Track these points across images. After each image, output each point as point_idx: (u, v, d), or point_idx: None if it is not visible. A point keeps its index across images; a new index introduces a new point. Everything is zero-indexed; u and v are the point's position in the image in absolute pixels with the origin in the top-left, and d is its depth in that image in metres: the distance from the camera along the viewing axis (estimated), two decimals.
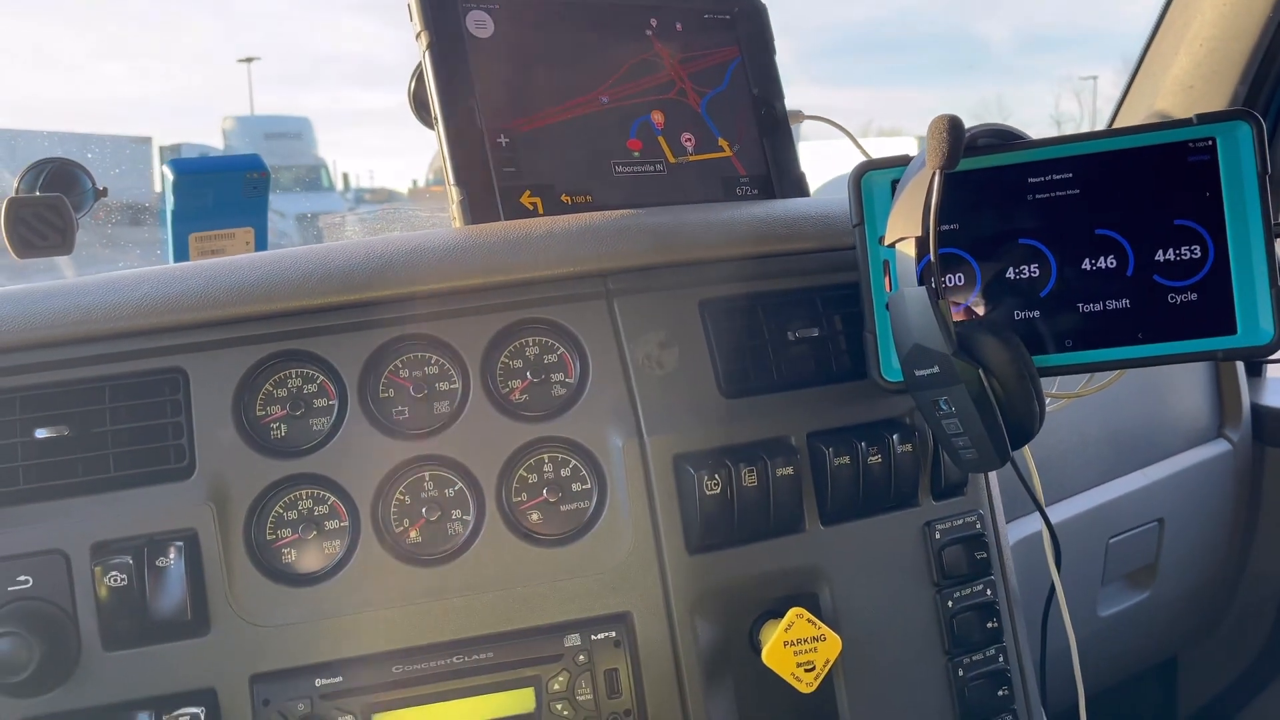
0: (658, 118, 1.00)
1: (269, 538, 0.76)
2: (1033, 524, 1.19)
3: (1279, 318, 0.78)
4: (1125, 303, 0.81)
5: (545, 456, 0.79)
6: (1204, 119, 0.80)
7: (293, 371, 0.78)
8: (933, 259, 0.77)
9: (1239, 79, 1.46)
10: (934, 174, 0.76)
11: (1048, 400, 1.02)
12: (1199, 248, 0.80)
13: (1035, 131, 0.87)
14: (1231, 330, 0.80)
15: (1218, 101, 1.49)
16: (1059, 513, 1.23)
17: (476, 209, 0.89)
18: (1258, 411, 1.47)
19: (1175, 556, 1.36)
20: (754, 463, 0.79)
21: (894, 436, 0.84)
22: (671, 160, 1.00)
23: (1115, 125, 1.62)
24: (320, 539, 0.76)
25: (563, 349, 0.81)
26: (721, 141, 1.03)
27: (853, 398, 0.86)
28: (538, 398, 0.80)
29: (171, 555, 0.72)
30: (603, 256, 0.80)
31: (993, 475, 0.94)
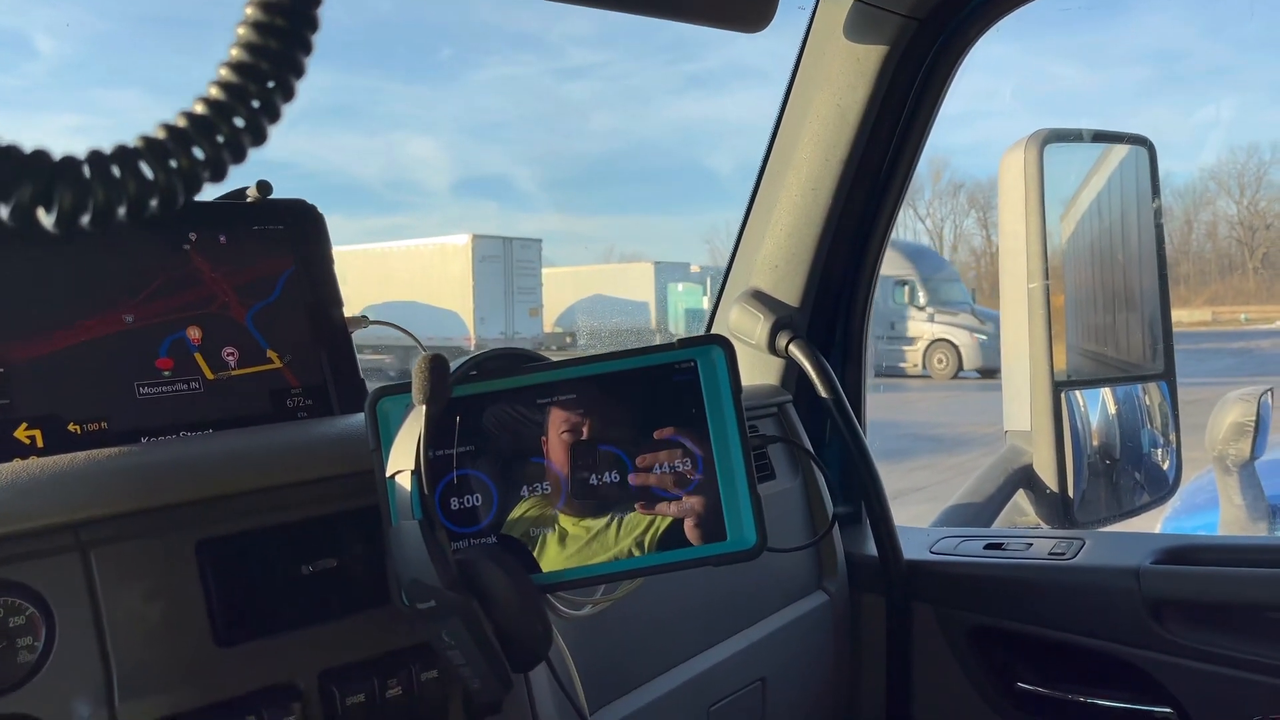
0: (194, 333, 0.96)
1: None
2: (643, 696, 1.21)
3: (759, 524, 0.85)
4: (627, 515, 0.85)
5: None
6: (684, 343, 0.87)
7: None
8: (424, 493, 0.78)
9: (812, 260, 1.64)
10: (423, 408, 0.78)
11: (587, 607, 1.05)
12: (689, 461, 0.86)
13: None
14: (722, 537, 0.86)
15: (798, 280, 1.66)
16: (660, 686, 1.25)
17: None
18: (851, 560, 1.60)
19: (782, 712, 1.43)
20: (244, 717, 0.75)
21: (416, 665, 0.83)
22: (210, 377, 0.96)
23: (723, 296, 1.76)
24: None
25: (32, 609, 0.74)
26: (271, 354, 1.01)
27: (378, 627, 0.84)
28: (1, 668, 0.72)
29: None
30: (73, 506, 0.74)
31: (540, 681, 0.95)
